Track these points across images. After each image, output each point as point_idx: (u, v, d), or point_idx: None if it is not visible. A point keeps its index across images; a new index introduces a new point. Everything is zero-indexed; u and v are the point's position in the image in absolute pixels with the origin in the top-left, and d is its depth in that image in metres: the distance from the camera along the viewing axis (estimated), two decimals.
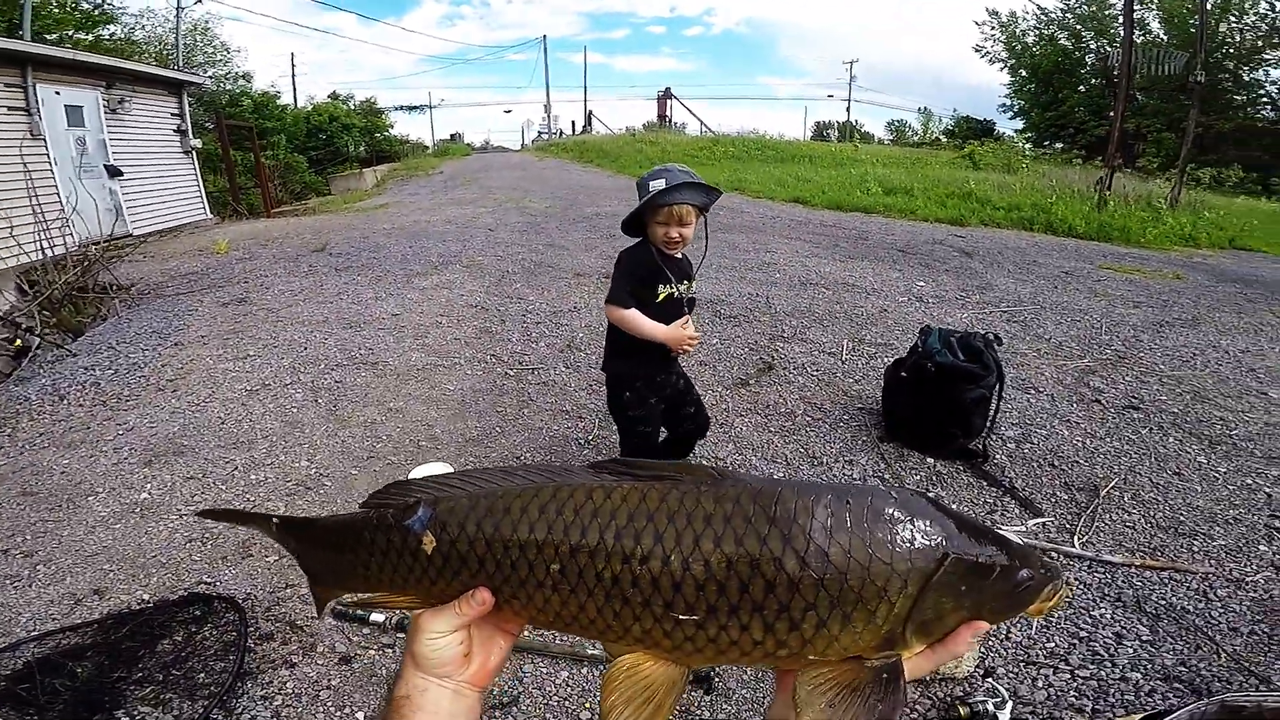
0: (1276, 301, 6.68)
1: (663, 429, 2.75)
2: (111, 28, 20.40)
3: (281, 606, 2.23)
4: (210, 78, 21.69)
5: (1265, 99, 28.66)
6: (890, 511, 0.51)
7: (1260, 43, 27.28)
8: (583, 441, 3.41)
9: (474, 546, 0.56)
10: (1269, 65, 27.96)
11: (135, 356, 4.43)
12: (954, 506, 0.54)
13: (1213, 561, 2.57)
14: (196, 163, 12.52)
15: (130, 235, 9.49)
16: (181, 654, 2.01)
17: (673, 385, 2.64)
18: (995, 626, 0.61)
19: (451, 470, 2.89)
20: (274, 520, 0.65)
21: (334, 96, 32.65)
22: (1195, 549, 2.65)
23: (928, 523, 0.52)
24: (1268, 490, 3.05)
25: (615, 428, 3.52)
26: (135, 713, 1.80)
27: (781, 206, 12.28)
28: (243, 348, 4.59)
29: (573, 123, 44.10)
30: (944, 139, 36.08)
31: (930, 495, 0.55)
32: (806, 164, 19.20)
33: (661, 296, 2.42)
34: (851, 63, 47.79)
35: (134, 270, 7.05)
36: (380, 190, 18.31)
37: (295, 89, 33.35)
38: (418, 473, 2.97)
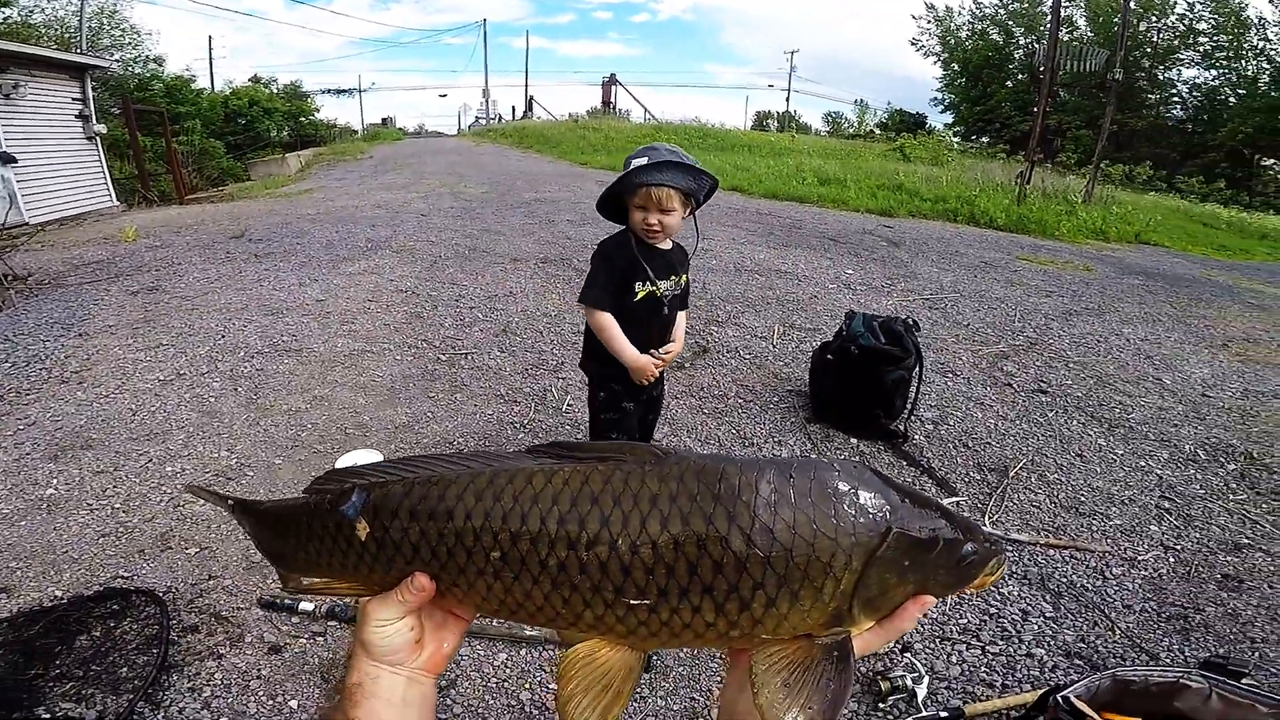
0: (1174, 294, 7.17)
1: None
2: (7, 10, 19.26)
3: (205, 598, 2.16)
4: (117, 61, 20.77)
5: (1176, 99, 30.40)
6: (834, 485, 0.51)
7: (1177, 43, 28.87)
8: (518, 425, 3.38)
9: (408, 534, 0.55)
10: (1182, 65, 29.65)
11: (35, 348, 4.16)
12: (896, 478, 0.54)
13: (1109, 541, 2.71)
14: (101, 148, 11.92)
15: (25, 224, 8.88)
16: (101, 649, 1.94)
17: (649, 393, 2.46)
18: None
19: (381, 457, 2.85)
20: (230, 501, 0.64)
21: (255, 80, 31.43)
22: (1094, 528, 2.79)
23: (871, 496, 0.51)
24: (1159, 472, 3.25)
25: (551, 409, 3.53)
26: (57, 709, 1.74)
27: (720, 194, 12.30)
28: (154, 337, 4.37)
29: (513, 108, 43.26)
30: (878, 131, 37.11)
31: (873, 467, 0.54)
32: (746, 153, 19.41)
33: (640, 295, 2.17)
34: (792, 53, 48.66)
35: (32, 260, 6.59)
36: (304, 175, 17.60)
37: (213, 72, 32.01)
38: (345, 460, 2.90)
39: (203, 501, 2.66)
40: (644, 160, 1.99)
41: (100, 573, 2.28)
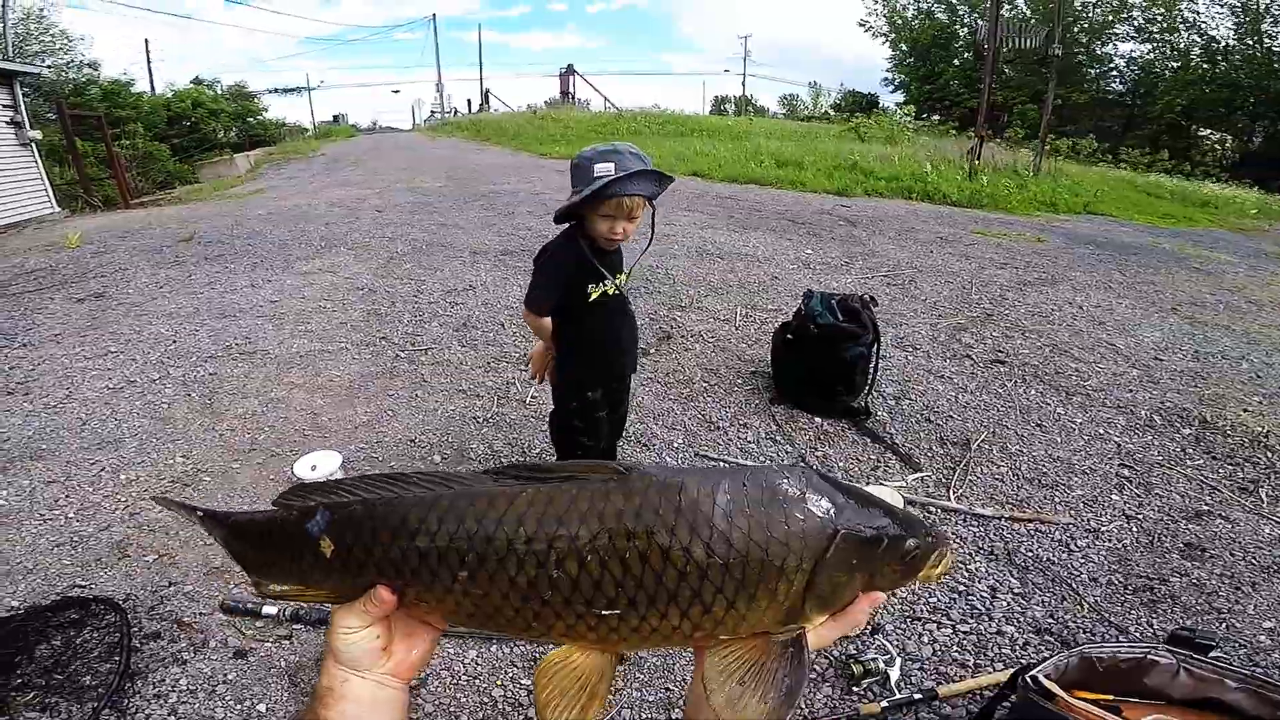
0: (1123, 261, 7.38)
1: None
2: None
3: (166, 605, 2.14)
4: (49, 67, 20.30)
5: (1115, 72, 31.12)
6: (784, 493, 0.54)
7: (1111, 17, 29.48)
8: (481, 420, 3.35)
9: (372, 553, 0.56)
10: (1118, 39, 30.32)
11: None
12: (842, 479, 0.58)
13: (1072, 512, 2.72)
14: (38, 154, 11.52)
15: None
16: (62, 658, 1.93)
17: (621, 394, 2.44)
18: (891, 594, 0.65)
19: (340, 458, 2.80)
20: (198, 512, 0.65)
21: (197, 82, 30.74)
22: (1057, 499, 2.80)
23: (818, 501, 0.54)
24: (1117, 440, 3.30)
25: (515, 403, 3.50)
26: (20, 718, 1.72)
27: (681, 180, 12.35)
28: (102, 344, 4.23)
29: (469, 101, 42.50)
30: (832, 113, 37.43)
31: (820, 470, 0.58)
32: (705, 138, 19.43)
33: (595, 295, 2.12)
34: (745, 38, 48.77)
35: None
36: (255, 175, 17.20)
37: (151, 76, 31.69)
38: (304, 461, 2.85)
39: (161, 509, 2.61)
40: (610, 167, 1.89)
41: (57, 582, 2.24)
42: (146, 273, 5.91)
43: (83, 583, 2.23)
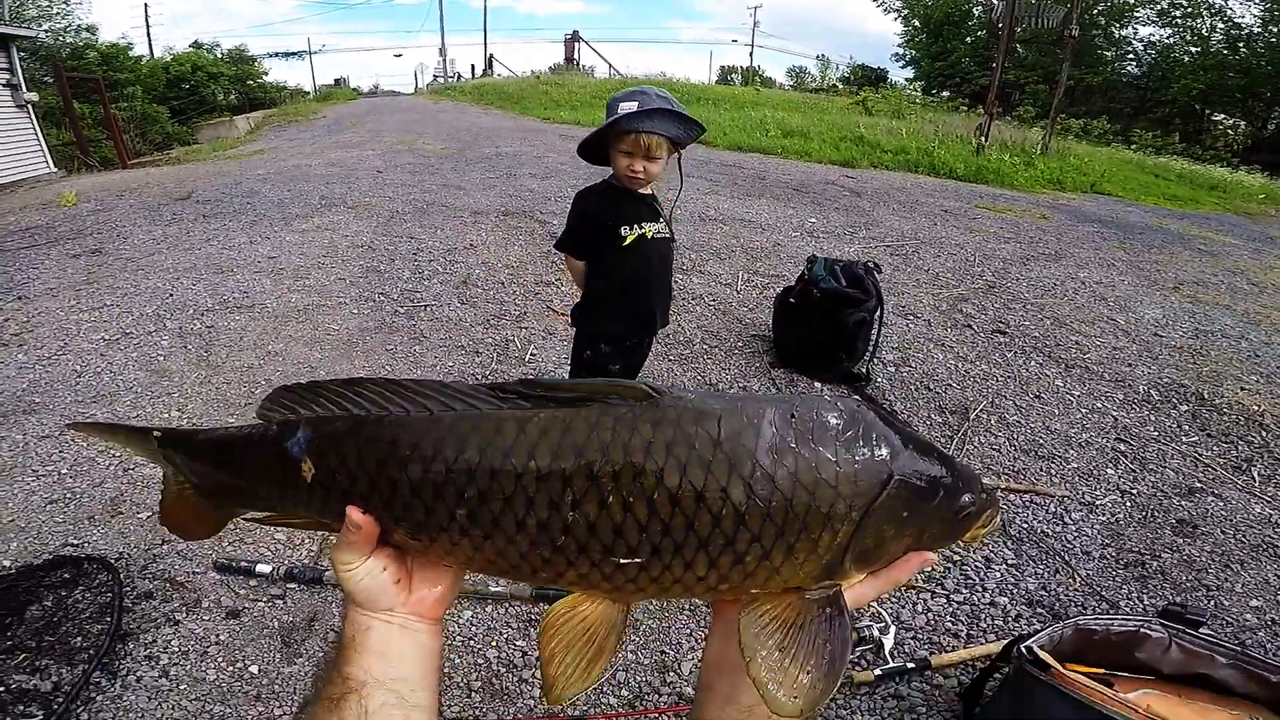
0: (1127, 240, 7.33)
1: None
2: None
3: (159, 564, 2.12)
4: (46, 31, 20.19)
5: (1131, 56, 30.51)
6: (835, 427, 0.47)
7: (1133, 1, 28.90)
8: (480, 376, 3.33)
9: (357, 481, 0.49)
10: (1138, 23, 29.66)
11: None
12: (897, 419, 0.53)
13: (1067, 485, 2.72)
14: (35, 116, 11.60)
15: None
16: (53, 619, 1.89)
17: (640, 351, 2.41)
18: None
19: None
20: (155, 434, 0.57)
21: (196, 46, 30.35)
22: (1053, 472, 2.80)
23: (873, 439, 0.48)
24: (1114, 414, 3.30)
25: (514, 359, 3.49)
26: (10, 681, 1.69)
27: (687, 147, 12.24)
28: (99, 297, 4.20)
29: (472, 66, 41.54)
30: (840, 86, 36.87)
31: (876, 405, 0.53)
32: (711, 106, 19.11)
33: (630, 239, 2.08)
34: (756, 7, 47.57)
35: None
36: (254, 137, 16.93)
37: (150, 39, 31.37)
38: None
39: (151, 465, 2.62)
40: (634, 105, 1.89)
41: (49, 541, 2.21)
42: (144, 229, 5.84)
43: (75, 541, 2.21)
